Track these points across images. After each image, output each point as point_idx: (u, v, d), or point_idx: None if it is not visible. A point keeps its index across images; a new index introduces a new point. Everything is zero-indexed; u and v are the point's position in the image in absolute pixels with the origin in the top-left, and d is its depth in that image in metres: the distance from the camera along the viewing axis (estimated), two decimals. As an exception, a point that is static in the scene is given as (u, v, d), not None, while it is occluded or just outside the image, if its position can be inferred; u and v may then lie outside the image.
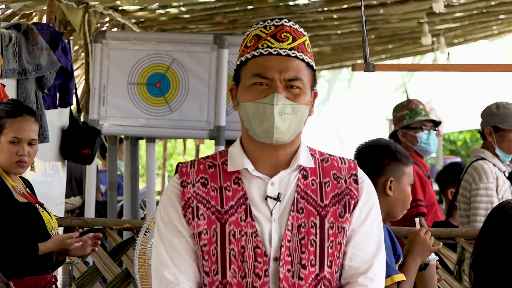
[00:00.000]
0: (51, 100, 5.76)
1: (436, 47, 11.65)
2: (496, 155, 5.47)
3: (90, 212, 6.63)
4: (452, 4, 9.44)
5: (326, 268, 2.55)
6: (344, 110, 14.88)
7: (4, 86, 4.80)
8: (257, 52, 2.55)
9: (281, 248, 2.52)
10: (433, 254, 3.63)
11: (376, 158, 3.55)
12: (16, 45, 5.10)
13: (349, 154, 4.40)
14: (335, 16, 9.61)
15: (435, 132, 6.10)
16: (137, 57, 6.51)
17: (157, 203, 6.72)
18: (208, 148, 16.80)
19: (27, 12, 6.56)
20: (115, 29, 8.53)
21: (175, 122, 6.50)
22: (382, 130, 13.20)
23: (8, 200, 3.95)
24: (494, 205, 5.19)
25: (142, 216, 7.55)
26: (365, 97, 14.75)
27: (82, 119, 6.62)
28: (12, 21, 6.38)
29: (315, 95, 2.62)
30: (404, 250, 3.66)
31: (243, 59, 2.58)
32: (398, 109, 6.18)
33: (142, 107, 6.48)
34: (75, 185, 8.46)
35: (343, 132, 14.92)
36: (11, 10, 6.51)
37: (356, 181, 2.62)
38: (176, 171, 2.64)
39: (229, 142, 6.84)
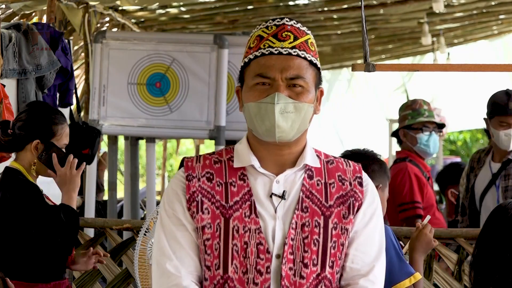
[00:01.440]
0: (51, 100, 5.76)
1: (436, 47, 11.65)
2: None
3: (90, 212, 6.63)
4: (452, 4, 9.44)
5: (327, 268, 2.56)
6: (344, 110, 14.87)
7: (4, 86, 4.80)
8: (259, 53, 2.56)
9: (285, 246, 2.53)
10: None
11: (365, 163, 3.61)
12: (16, 45, 5.10)
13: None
14: (335, 16, 9.61)
15: (438, 134, 6.08)
16: (137, 57, 6.51)
17: (157, 203, 6.72)
18: (208, 148, 16.80)
19: (27, 12, 6.55)
20: (115, 29, 8.53)
21: (175, 122, 6.49)
22: (382, 130, 13.21)
23: (45, 204, 3.95)
24: None
25: (142, 216, 7.55)
26: (365, 97, 14.75)
27: (82, 119, 6.62)
28: (12, 21, 6.38)
29: (321, 93, 2.63)
30: (408, 248, 3.70)
31: (246, 60, 2.59)
32: (402, 108, 6.20)
33: (142, 107, 6.48)
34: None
35: (343, 132, 14.92)
36: (11, 10, 6.51)
37: (361, 184, 2.64)
38: (181, 165, 2.65)
39: (229, 142, 6.84)
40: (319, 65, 2.61)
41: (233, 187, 2.58)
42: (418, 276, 3.43)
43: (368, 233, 2.61)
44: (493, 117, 5.24)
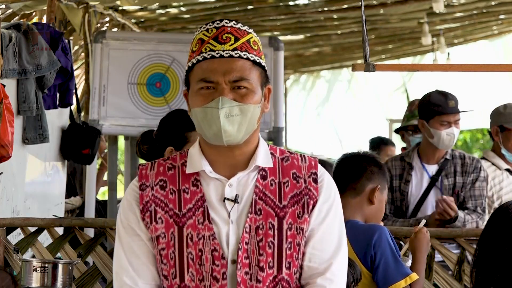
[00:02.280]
0: (51, 100, 5.76)
1: (436, 47, 11.66)
2: (501, 155, 5.48)
3: (90, 212, 6.63)
4: (452, 4, 9.44)
5: (284, 269, 2.54)
6: (344, 110, 14.88)
7: (4, 86, 4.80)
8: (201, 57, 2.53)
9: (239, 251, 2.51)
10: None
11: (365, 164, 3.64)
12: (16, 45, 5.09)
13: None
14: (335, 16, 9.61)
15: None
16: (137, 57, 6.50)
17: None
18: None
19: (27, 12, 6.55)
20: (115, 29, 8.54)
21: (175, 122, 6.49)
22: (382, 130, 13.21)
23: None
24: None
25: (142, 216, 7.53)
26: (365, 97, 14.76)
27: (82, 119, 6.62)
28: (12, 21, 6.38)
29: (269, 91, 2.60)
30: (410, 249, 3.72)
31: (189, 64, 2.57)
32: (406, 109, 6.26)
33: (142, 107, 6.48)
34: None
35: (343, 132, 14.92)
36: (11, 10, 6.51)
37: (315, 180, 2.59)
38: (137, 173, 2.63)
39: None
40: (263, 63, 2.58)
41: (186, 194, 2.55)
42: (415, 276, 3.44)
43: (325, 230, 2.58)
44: (432, 117, 5.23)
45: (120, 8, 7.98)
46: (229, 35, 2.54)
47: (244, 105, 2.51)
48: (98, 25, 7.93)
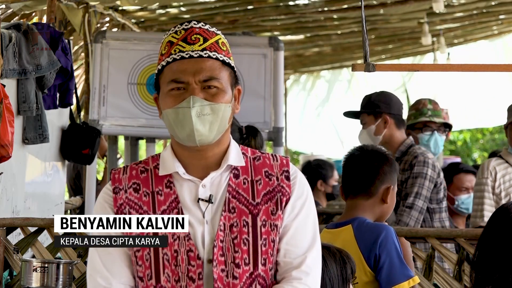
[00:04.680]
0: (51, 100, 5.77)
1: (436, 47, 11.65)
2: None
3: (90, 212, 6.63)
4: (452, 4, 9.44)
5: (260, 266, 2.56)
6: (344, 111, 14.86)
7: (4, 86, 4.80)
8: (170, 58, 2.56)
9: (214, 249, 2.53)
10: None
11: (376, 165, 3.59)
12: (16, 45, 5.10)
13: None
14: (335, 16, 9.61)
15: (444, 134, 6.06)
16: (137, 57, 6.51)
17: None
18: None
19: (27, 12, 6.56)
20: (115, 29, 8.54)
21: (175, 122, 6.49)
22: (382, 130, 13.16)
23: None
24: (485, 200, 5.27)
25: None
26: (365, 97, 14.72)
27: (82, 119, 6.62)
28: (12, 21, 6.38)
29: (239, 91, 2.63)
30: None
31: (159, 67, 2.59)
32: (409, 108, 6.24)
33: (142, 107, 6.48)
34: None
35: (343, 132, 14.91)
36: (11, 10, 6.51)
37: (288, 178, 2.62)
38: (110, 178, 2.65)
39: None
40: (232, 64, 2.60)
41: (160, 196, 2.58)
42: (417, 279, 3.44)
43: (298, 226, 2.61)
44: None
45: (120, 8, 7.98)
46: (198, 36, 2.56)
47: (215, 104, 2.53)
48: (98, 25, 7.93)
